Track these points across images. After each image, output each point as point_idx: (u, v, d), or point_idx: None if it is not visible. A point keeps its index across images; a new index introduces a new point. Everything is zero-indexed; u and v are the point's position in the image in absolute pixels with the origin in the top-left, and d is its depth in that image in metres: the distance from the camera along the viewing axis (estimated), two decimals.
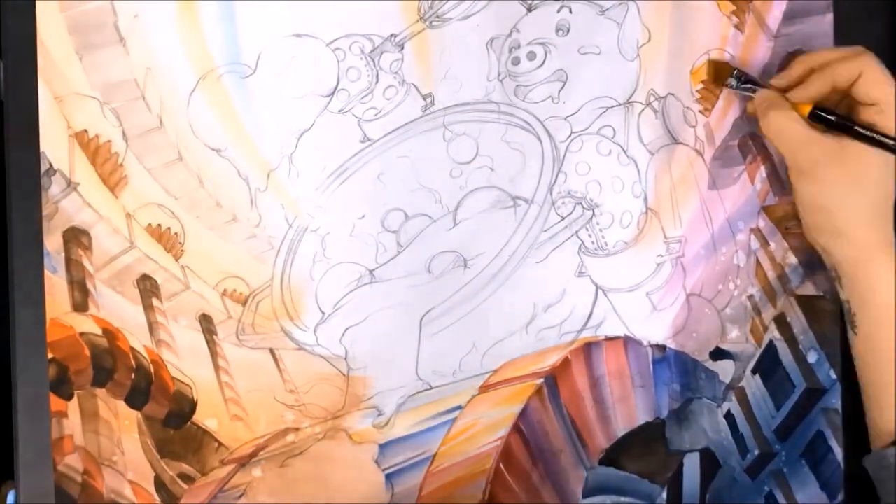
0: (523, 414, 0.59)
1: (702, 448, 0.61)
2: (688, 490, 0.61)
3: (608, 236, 0.60)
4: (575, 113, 0.59)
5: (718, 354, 0.62)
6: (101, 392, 0.55)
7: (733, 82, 0.57)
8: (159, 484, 0.56)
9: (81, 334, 0.54)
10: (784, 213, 0.62)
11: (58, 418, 0.54)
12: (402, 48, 0.56)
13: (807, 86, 0.54)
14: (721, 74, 0.58)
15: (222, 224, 0.55)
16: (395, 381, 0.58)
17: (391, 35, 0.56)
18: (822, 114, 0.53)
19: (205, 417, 0.56)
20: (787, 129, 0.53)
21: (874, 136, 0.52)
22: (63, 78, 0.53)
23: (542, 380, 0.59)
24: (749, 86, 0.57)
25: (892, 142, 0.51)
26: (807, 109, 0.54)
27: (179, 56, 0.54)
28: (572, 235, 0.59)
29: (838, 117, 0.53)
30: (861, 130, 0.52)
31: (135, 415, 0.55)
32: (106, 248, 0.54)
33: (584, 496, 0.60)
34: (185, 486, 0.56)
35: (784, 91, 0.56)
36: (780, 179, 0.61)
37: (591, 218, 0.59)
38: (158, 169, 0.55)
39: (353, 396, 0.57)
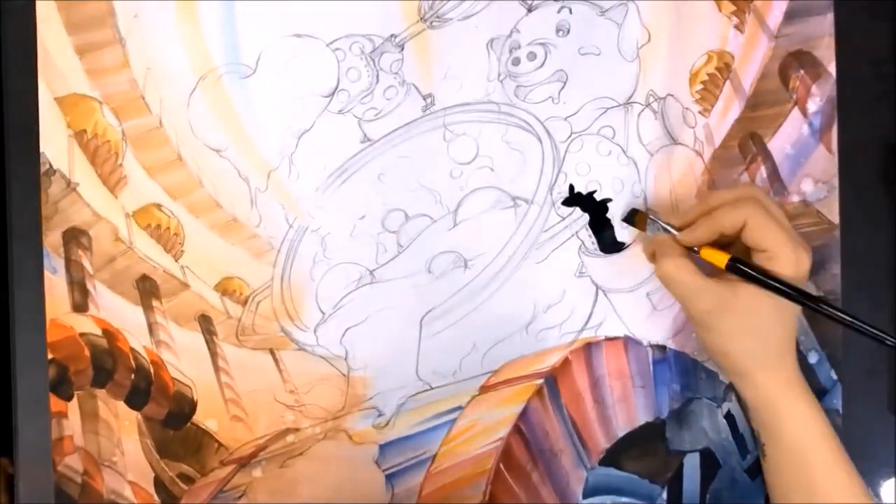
0: (523, 414, 0.59)
1: (702, 448, 0.61)
2: (688, 490, 0.61)
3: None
4: (575, 113, 0.59)
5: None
6: (100, 392, 0.55)
7: (649, 228, 0.57)
8: (159, 484, 0.56)
9: (81, 335, 0.54)
10: (785, 213, 0.62)
11: (58, 419, 0.54)
12: (403, 48, 0.56)
13: (694, 230, 0.53)
14: (641, 223, 0.58)
15: (222, 224, 0.55)
16: (396, 382, 0.58)
17: (391, 35, 0.56)
18: (741, 267, 0.52)
19: (205, 418, 0.56)
20: (678, 277, 0.52)
21: (791, 291, 0.51)
22: (63, 78, 0.53)
23: (542, 380, 0.59)
24: (663, 225, 0.56)
25: (814, 303, 0.51)
26: (720, 260, 0.52)
27: (179, 56, 0.54)
28: (572, 236, 0.59)
29: (752, 270, 0.51)
30: (779, 286, 0.51)
31: (135, 415, 0.55)
32: (105, 249, 0.54)
33: (585, 496, 0.60)
34: (184, 486, 0.56)
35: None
36: (780, 180, 0.61)
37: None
38: (158, 169, 0.55)
39: (353, 397, 0.57)
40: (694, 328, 0.54)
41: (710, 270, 0.53)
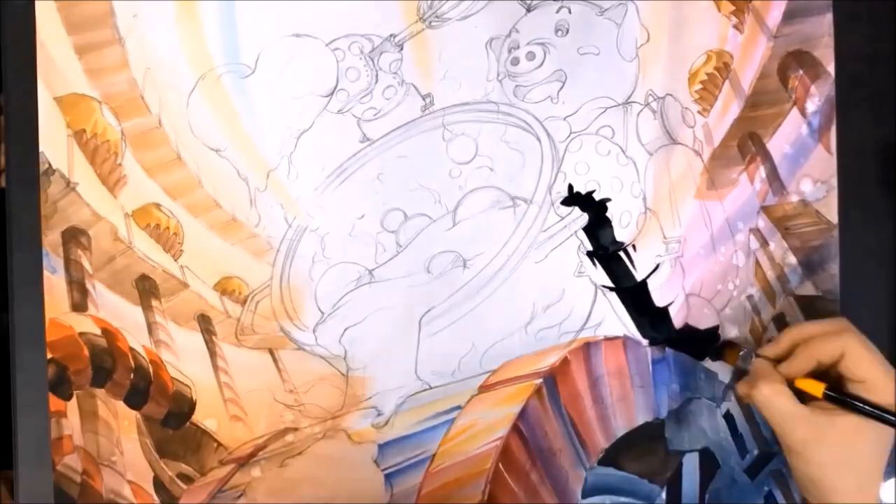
0: (522, 414, 0.59)
1: (701, 448, 0.61)
2: (687, 490, 0.61)
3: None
4: (574, 113, 0.59)
5: (718, 354, 0.62)
6: (100, 392, 0.55)
7: (742, 361, 0.57)
8: (158, 484, 0.56)
9: (80, 334, 0.54)
10: (783, 213, 0.62)
11: (57, 418, 0.54)
12: (402, 48, 0.56)
13: (791, 361, 0.54)
14: (731, 356, 0.58)
15: (222, 224, 0.55)
16: (395, 381, 0.58)
17: (390, 35, 0.56)
18: (835, 395, 0.52)
19: (204, 417, 0.56)
20: (777, 403, 0.52)
21: (891, 417, 0.51)
22: (62, 78, 0.53)
23: (541, 380, 0.59)
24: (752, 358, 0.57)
25: None
26: (817, 389, 0.53)
27: (179, 56, 0.54)
28: (571, 235, 0.59)
29: (850, 398, 0.52)
30: (876, 412, 0.51)
31: (134, 415, 0.55)
32: (105, 248, 0.54)
33: (584, 496, 0.60)
34: (184, 486, 0.56)
35: (775, 361, 0.55)
36: (779, 179, 0.61)
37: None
38: (157, 169, 0.55)
39: (352, 396, 0.57)
40: (785, 454, 0.54)
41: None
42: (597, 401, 0.60)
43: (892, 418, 0.51)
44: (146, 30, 0.54)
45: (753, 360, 0.56)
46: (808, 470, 0.53)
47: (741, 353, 0.57)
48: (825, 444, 0.52)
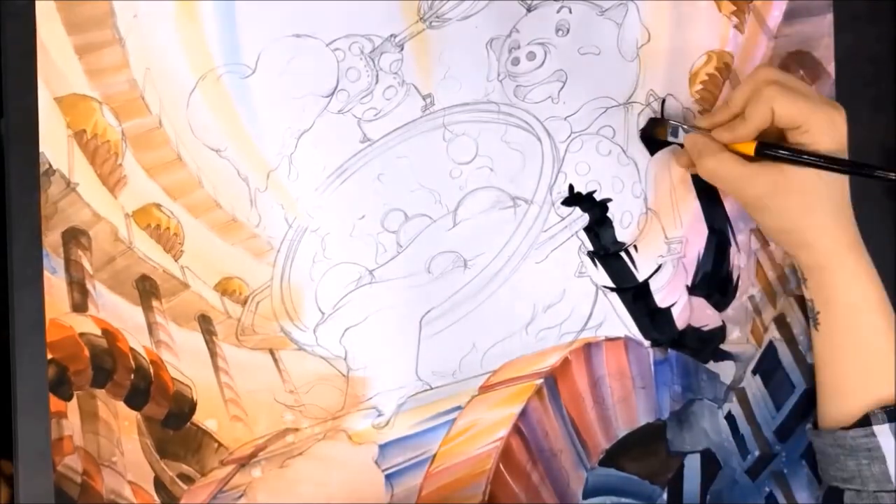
0: (523, 414, 0.59)
1: (702, 449, 0.61)
2: (688, 491, 0.61)
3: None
4: (574, 113, 0.59)
5: (719, 355, 0.62)
6: (100, 393, 0.55)
7: (671, 134, 0.57)
8: (159, 484, 0.56)
9: (81, 335, 0.54)
10: None
11: (57, 419, 0.54)
12: (402, 48, 0.56)
13: (731, 128, 0.54)
14: (660, 132, 0.58)
15: (222, 224, 0.55)
16: (395, 382, 0.58)
17: (391, 35, 0.56)
18: (767, 146, 0.52)
19: (204, 418, 0.56)
20: (724, 170, 0.53)
21: (823, 163, 0.51)
22: (62, 78, 0.53)
23: (541, 380, 0.59)
24: (682, 133, 0.57)
25: (841, 166, 0.52)
26: (748, 147, 0.53)
27: (179, 56, 0.54)
28: (572, 236, 0.59)
29: (784, 150, 0.52)
30: (811, 159, 0.51)
31: (134, 415, 0.55)
32: (105, 249, 0.54)
33: (584, 497, 0.60)
34: (184, 486, 0.56)
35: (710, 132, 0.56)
36: None
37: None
38: (158, 169, 0.55)
39: (352, 397, 0.57)
40: (750, 213, 0.56)
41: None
42: (598, 401, 0.60)
43: (820, 162, 0.51)
44: (146, 30, 0.54)
45: (689, 136, 0.56)
46: (776, 221, 0.54)
47: (670, 125, 0.57)
48: (783, 193, 0.52)
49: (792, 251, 0.56)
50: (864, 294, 0.54)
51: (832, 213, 0.53)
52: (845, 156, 0.53)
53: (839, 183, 0.53)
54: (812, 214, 0.53)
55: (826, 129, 0.51)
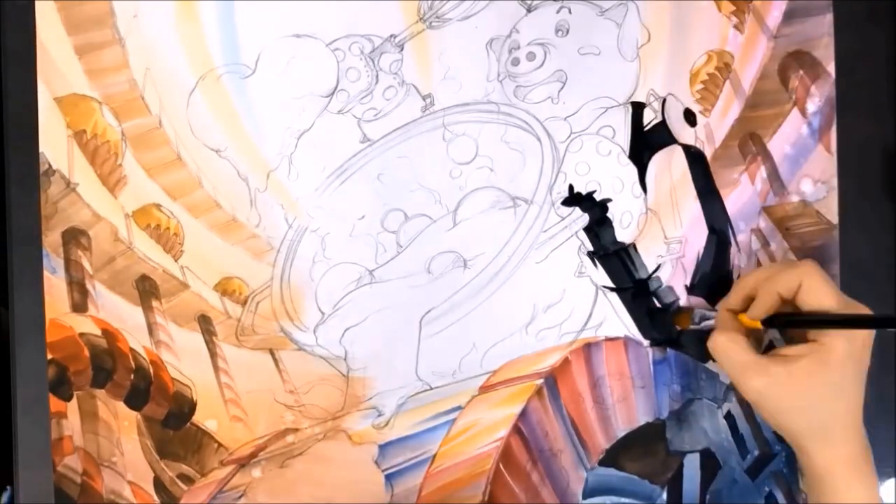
0: (523, 414, 0.59)
1: (702, 449, 0.61)
2: (688, 491, 0.61)
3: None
4: (574, 113, 0.59)
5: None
6: (100, 393, 0.55)
7: (694, 321, 0.57)
8: (159, 485, 0.56)
9: (81, 335, 0.54)
10: (784, 213, 0.62)
11: (57, 419, 0.54)
12: (402, 49, 0.56)
13: (755, 304, 0.53)
14: (684, 320, 0.58)
15: (222, 224, 0.55)
16: (395, 382, 0.58)
17: (391, 35, 0.56)
18: (776, 319, 0.52)
19: (204, 418, 0.56)
20: (729, 352, 0.51)
21: (834, 319, 0.50)
22: (62, 78, 0.53)
23: (541, 380, 0.59)
24: (708, 321, 0.56)
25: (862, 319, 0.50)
26: (754, 321, 0.53)
27: (179, 56, 0.54)
28: (572, 236, 0.59)
29: (787, 317, 0.51)
30: (812, 319, 0.50)
31: (134, 415, 0.55)
32: (105, 249, 0.54)
33: (584, 497, 0.60)
34: (184, 486, 0.56)
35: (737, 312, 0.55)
36: (780, 179, 0.61)
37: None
38: (158, 169, 0.55)
39: (352, 397, 0.57)
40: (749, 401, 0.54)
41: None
42: (597, 401, 0.60)
43: (828, 321, 0.49)
44: (146, 30, 0.54)
45: (717, 313, 0.55)
46: (771, 418, 0.52)
47: (693, 315, 0.57)
48: (781, 392, 0.50)
49: (791, 443, 0.54)
50: None
51: (831, 422, 0.50)
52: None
53: (851, 390, 0.50)
54: (807, 419, 0.51)
55: (826, 294, 0.50)
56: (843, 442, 0.51)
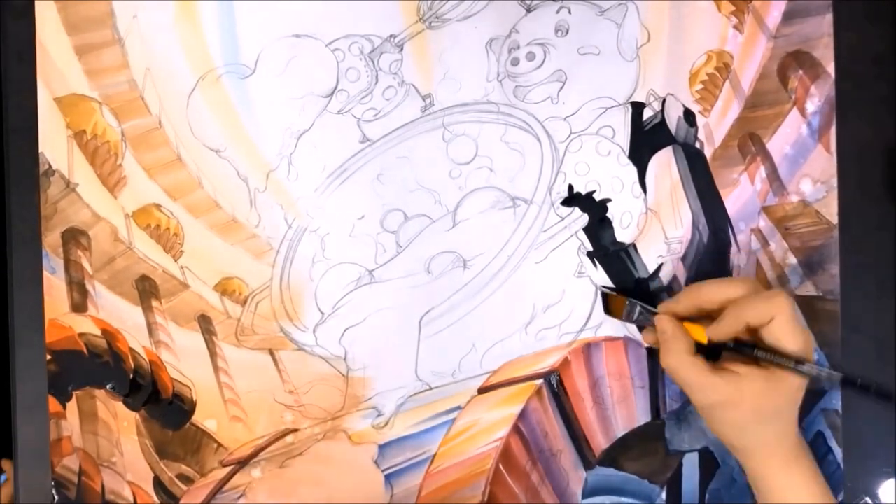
0: (523, 414, 0.59)
1: (701, 448, 0.61)
2: (687, 490, 0.61)
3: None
4: (574, 113, 0.59)
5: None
6: (99, 393, 0.55)
7: (626, 315, 0.57)
8: (158, 485, 0.56)
9: (80, 335, 0.54)
10: (784, 213, 0.62)
11: (56, 419, 0.54)
12: (402, 49, 0.56)
13: (719, 323, 0.53)
14: (617, 307, 0.58)
15: (222, 224, 0.55)
16: (395, 382, 0.58)
17: (390, 36, 0.56)
18: (740, 348, 0.52)
19: (204, 418, 0.56)
20: (682, 373, 0.52)
21: (788, 364, 0.51)
22: (62, 78, 0.53)
23: (541, 380, 0.59)
24: (645, 313, 0.56)
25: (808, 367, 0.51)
26: (700, 334, 0.53)
27: (178, 56, 0.54)
28: (572, 236, 0.59)
29: (743, 346, 0.52)
30: (771, 357, 0.51)
31: (133, 416, 0.55)
32: (105, 249, 0.54)
33: (584, 497, 0.60)
34: (184, 486, 0.56)
35: (679, 318, 0.55)
36: (779, 179, 0.61)
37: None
38: (157, 169, 0.55)
39: (352, 397, 0.57)
40: (699, 412, 0.55)
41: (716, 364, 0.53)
42: (597, 401, 0.60)
43: (788, 363, 0.50)
44: (146, 30, 0.54)
45: (659, 318, 0.55)
46: (721, 432, 0.53)
47: (626, 306, 0.57)
48: (732, 409, 0.52)
49: (736, 455, 0.55)
50: None
51: (776, 432, 0.53)
52: (811, 347, 0.52)
53: (792, 404, 0.52)
54: (755, 433, 0.52)
55: (797, 338, 0.51)
56: (781, 445, 0.53)
